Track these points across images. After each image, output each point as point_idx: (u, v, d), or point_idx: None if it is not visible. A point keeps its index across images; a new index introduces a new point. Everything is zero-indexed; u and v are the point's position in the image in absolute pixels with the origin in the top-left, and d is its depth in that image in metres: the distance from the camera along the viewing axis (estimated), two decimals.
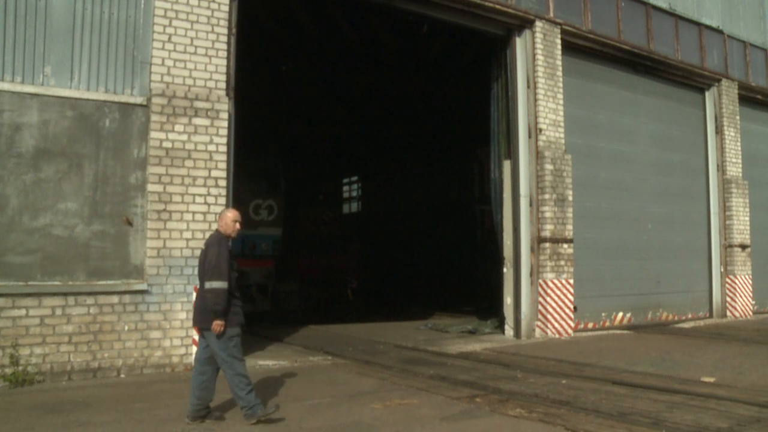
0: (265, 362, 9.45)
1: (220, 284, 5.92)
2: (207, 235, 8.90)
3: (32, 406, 6.73)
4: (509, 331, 12.52)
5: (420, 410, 6.57)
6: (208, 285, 5.95)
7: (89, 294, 8.23)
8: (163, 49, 8.91)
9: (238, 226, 6.32)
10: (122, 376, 8.31)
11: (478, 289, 18.99)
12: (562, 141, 12.94)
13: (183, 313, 8.61)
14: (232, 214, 6.33)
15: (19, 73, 8.14)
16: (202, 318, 6.05)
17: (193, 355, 8.75)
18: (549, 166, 12.55)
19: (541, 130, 12.61)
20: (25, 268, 7.98)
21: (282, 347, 10.90)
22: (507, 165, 12.81)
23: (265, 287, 17.43)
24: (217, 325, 5.89)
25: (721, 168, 16.42)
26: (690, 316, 15.55)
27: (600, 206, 13.93)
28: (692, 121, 16.43)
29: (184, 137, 8.88)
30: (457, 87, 18.94)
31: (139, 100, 8.80)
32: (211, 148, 9.06)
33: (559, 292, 12.38)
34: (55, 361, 8.00)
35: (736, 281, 16.16)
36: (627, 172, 14.65)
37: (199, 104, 9.01)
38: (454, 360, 9.90)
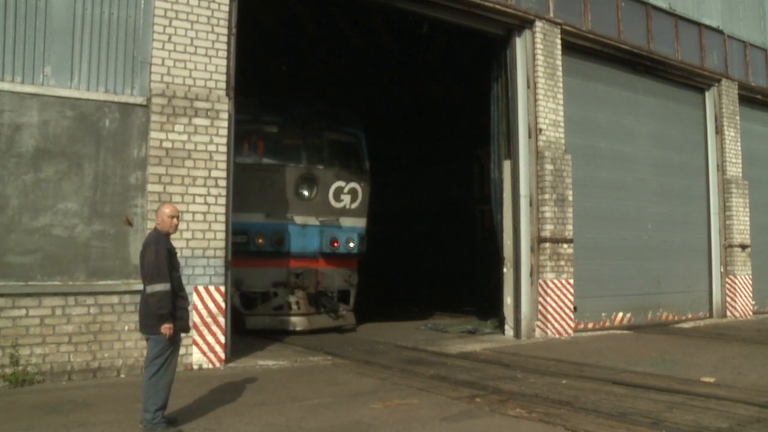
0: (265, 362, 9.45)
1: (161, 286, 5.71)
2: (207, 234, 8.95)
3: (32, 406, 6.73)
4: (509, 331, 12.52)
5: (420, 410, 6.57)
6: (149, 289, 5.73)
7: (89, 294, 8.23)
8: (163, 49, 8.91)
9: (175, 221, 6.11)
10: (122, 376, 8.31)
11: (478, 289, 18.96)
12: (562, 141, 12.94)
13: None
14: (169, 210, 6.08)
15: (19, 73, 8.13)
16: (146, 323, 5.85)
17: (193, 356, 8.78)
18: (549, 166, 12.55)
19: (541, 130, 12.61)
20: (25, 268, 7.98)
21: (282, 347, 10.90)
22: (507, 165, 12.81)
23: (347, 295, 13.45)
24: (166, 328, 5.70)
25: (721, 168, 16.42)
26: (690, 316, 15.55)
27: (600, 206, 13.93)
28: (692, 121, 16.43)
29: (184, 137, 8.88)
30: (457, 87, 18.93)
31: (139, 100, 8.80)
32: (211, 148, 9.06)
33: (559, 292, 12.38)
34: (55, 361, 8.00)
35: (736, 281, 16.16)
36: (627, 172, 14.64)
37: (199, 104, 9.01)
38: (454, 360, 9.90)
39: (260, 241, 12.15)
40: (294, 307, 12.47)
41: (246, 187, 11.50)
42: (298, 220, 12.61)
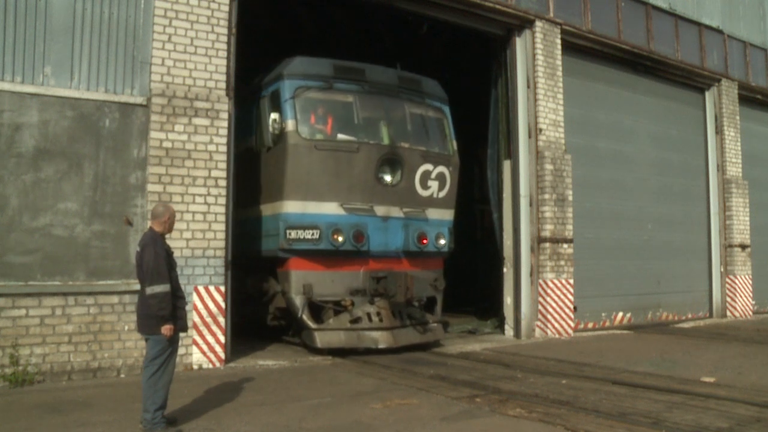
0: (265, 362, 9.45)
1: (161, 288, 5.70)
2: (207, 234, 8.95)
3: (32, 406, 6.73)
4: (509, 331, 12.53)
5: (420, 410, 6.56)
6: (149, 290, 5.73)
7: (89, 294, 8.23)
8: (163, 49, 8.91)
9: (172, 222, 6.12)
10: (122, 376, 8.31)
11: (478, 289, 18.95)
12: (562, 141, 12.94)
13: None
14: (164, 210, 6.08)
15: (19, 73, 8.13)
16: (145, 324, 5.85)
17: (193, 356, 8.78)
18: (549, 166, 12.55)
19: (541, 130, 12.61)
20: (25, 268, 7.98)
21: (282, 347, 10.89)
22: (507, 165, 12.82)
23: (433, 302, 11.18)
24: (167, 329, 5.71)
25: (721, 168, 16.42)
26: (690, 316, 15.56)
27: (600, 206, 13.93)
28: (692, 121, 16.43)
29: (184, 137, 8.88)
30: (457, 87, 18.92)
31: (139, 100, 8.80)
32: (211, 148, 9.06)
33: (559, 292, 12.38)
34: (55, 361, 7.99)
35: (736, 281, 16.16)
36: (627, 172, 14.64)
37: (199, 104, 9.01)
38: (454, 360, 9.90)
39: (337, 237, 9.79)
40: (375, 319, 10.02)
41: (314, 170, 9.86)
42: (379, 211, 10.36)
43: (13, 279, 7.88)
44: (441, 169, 10.93)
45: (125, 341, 8.35)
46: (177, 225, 8.55)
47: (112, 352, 8.30)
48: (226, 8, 9.38)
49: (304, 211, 9.83)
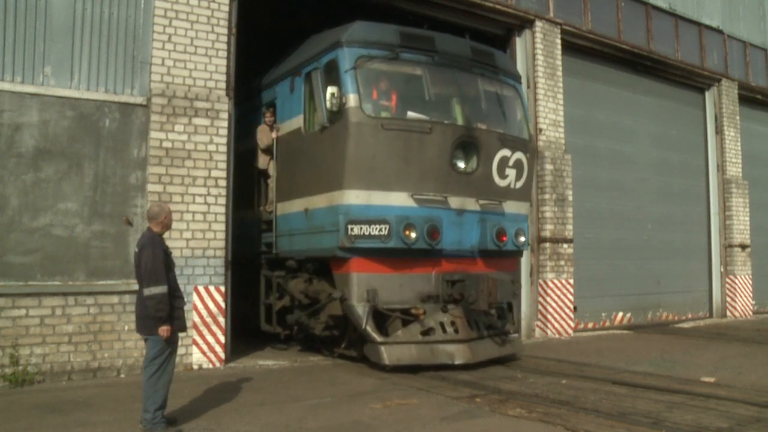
0: (265, 362, 9.45)
1: (159, 289, 5.69)
2: (207, 234, 8.95)
3: (32, 406, 6.73)
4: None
5: (420, 410, 6.56)
6: (147, 291, 5.72)
7: (89, 294, 8.23)
8: (163, 49, 8.91)
9: (169, 221, 6.11)
10: (122, 376, 8.31)
11: None
12: (562, 141, 12.94)
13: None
14: (160, 210, 6.05)
15: (19, 73, 8.13)
16: (144, 324, 5.84)
17: (193, 356, 8.78)
18: (549, 166, 12.55)
19: (541, 130, 12.61)
20: (25, 268, 7.98)
21: (282, 347, 10.88)
22: None
23: (509, 308, 9.88)
24: (164, 330, 5.70)
25: (721, 168, 16.43)
26: (690, 316, 15.56)
27: (600, 206, 13.94)
28: (692, 121, 16.44)
29: (184, 137, 8.88)
30: None
31: (139, 100, 8.80)
32: (211, 148, 9.06)
33: (559, 292, 12.38)
34: (55, 361, 7.99)
35: (736, 281, 16.16)
36: (627, 172, 14.65)
37: (199, 104, 9.01)
38: None
39: (409, 234, 8.33)
40: (449, 330, 8.67)
41: (381, 154, 8.48)
42: (454, 203, 8.95)
43: (13, 279, 7.88)
44: (518, 155, 9.55)
45: (125, 341, 8.36)
46: (177, 225, 8.59)
47: (112, 352, 8.30)
48: (226, 8, 9.38)
49: (369, 202, 8.43)
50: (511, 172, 9.49)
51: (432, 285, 8.81)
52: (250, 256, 11.25)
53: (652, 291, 14.75)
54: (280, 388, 7.66)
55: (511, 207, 9.63)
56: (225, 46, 9.34)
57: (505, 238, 9.23)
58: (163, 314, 5.69)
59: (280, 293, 10.17)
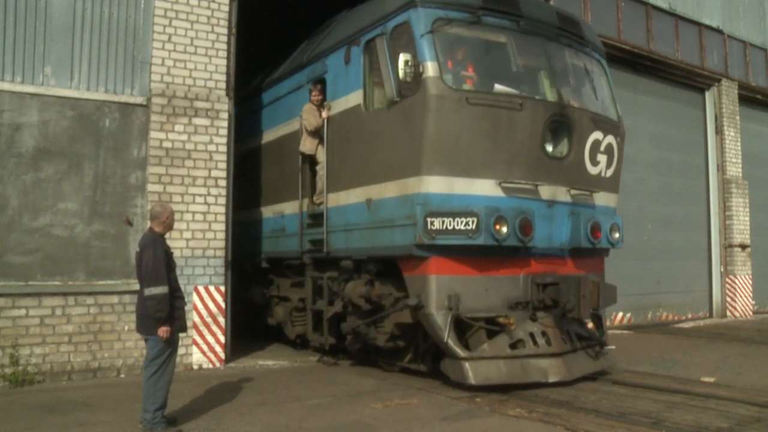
0: (265, 362, 9.45)
1: (159, 290, 5.68)
2: (207, 234, 8.95)
3: (32, 406, 6.74)
4: None
5: (420, 410, 6.56)
6: (147, 291, 5.71)
7: (89, 294, 8.24)
8: (163, 49, 8.91)
9: (171, 221, 6.10)
10: (122, 376, 8.31)
11: None
12: None
13: None
14: (162, 210, 6.04)
15: (19, 73, 8.14)
16: (144, 324, 5.84)
17: (193, 356, 8.78)
18: None
19: None
20: (25, 268, 7.98)
21: (282, 347, 10.89)
22: None
23: (599, 322, 8.63)
24: (163, 331, 5.69)
25: (721, 168, 16.42)
26: (690, 316, 15.56)
27: None
28: (692, 121, 16.43)
29: (184, 137, 8.89)
30: None
31: (139, 100, 8.81)
32: (211, 148, 9.06)
33: None
34: (55, 361, 8.00)
35: (736, 281, 16.16)
36: (627, 172, 14.49)
37: (199, 104, 9.01)
38: None
39: (500, 228, 7.08)
40: (540, 341, 7.46)
41: (465, 133, 7.25)
42: (544, 192, 7.75)
43: (13, 279, 7.88)
44: (610, 139, 8.37)
45: (125, 341, 8.36)
46: (177, 225, 8.58)
47: (112, 352, 8.30)
48: (226, 8, 9.38)
49: (451, 191, 7.21)
50: (602, 159, 8.30)
51: (520, 289, 7.58)
52: (276, 256, 10.37)
53: (652, 291, 14.75)
54: (280, 388, 7.66)
55: (600, 199, 8.45)
56: (225, 46, 9.34)
57: (599, 235, 8.06)
58: (163, 315, 5.68)
59: (331, 298, 8.92)
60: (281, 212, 10.17)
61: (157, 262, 5.74)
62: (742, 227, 16.46)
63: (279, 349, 10.63)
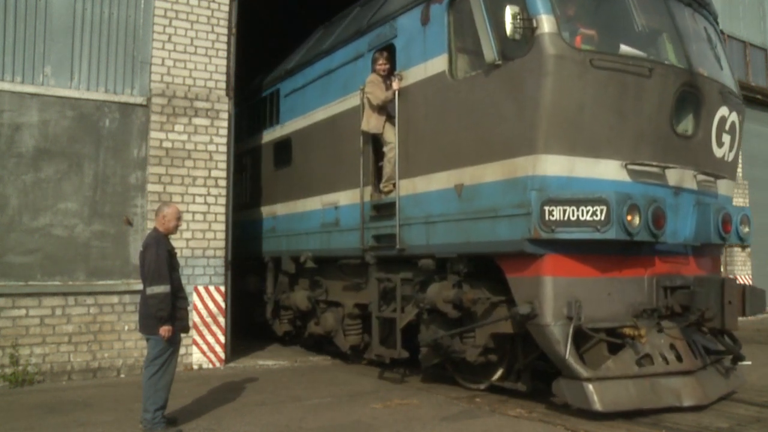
0: (265, 362, 9.45)
1: (161, 289, 5.66)
2: (207, 234, 8.96)
3: (32, 406, 6.74)
4: None
5: (420, 410, 6.56)
6: (149, 291, 5.70)
7: (89, 294, 8.24)
8: (163, 49, 8.91)
9: (178, 222, 6.09)
10: (122, 376, 8.31)
11: None
12: None
13: None
14: (172, 210, 6.03)
15: (19, 73, 8.14)
16: (146, 324, 5.83)
17: (193, 356, 8.78)
18: None
19: None
20: (25, 268, 7.98)
21: (282, 347, 10.89)
22: None
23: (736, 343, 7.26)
24: (165, 330, 5.68)
25: None
26: None
27: None
28: None
29: (184, 137, 8.89)
30: None
31: (139, 100, 8.81)
32: (211, 148, 9.07)
33: None
34: (55, 361, 8.00)
35: (736, 281, 16.15)
36: None
37: (199, 104, 9.02)
38: None
39: (632, 219, 5.91)
40: (669, 356, 6.28)
41: (589, 103, 6.10)
42: (671, 177, 6.60)
43: (13, 279, 7.89)
44: (734, 116, 7.21)
45: (125, 341, 8.36)
46: None
47: (112, 352, 8.31)
48: (226, 8, 9.38)
49: (571, 173, 6.04)
50: (726, 139, 7.13)
51: (645, 293, 6.41)
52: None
53: None
54: (280, 388, 7.66)
55: (722, 187, 7.29)
56: (225, 46, 9.35)
57: (730, 228, 6.92)
58: (165, 314, 5.68)
59: (403, 304, 7.64)
60: (334, 203, 8.79)
61: (160, 262, 5.73)
62: None
63: (279, 349, 10.63)
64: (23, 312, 7.86)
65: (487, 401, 6.91)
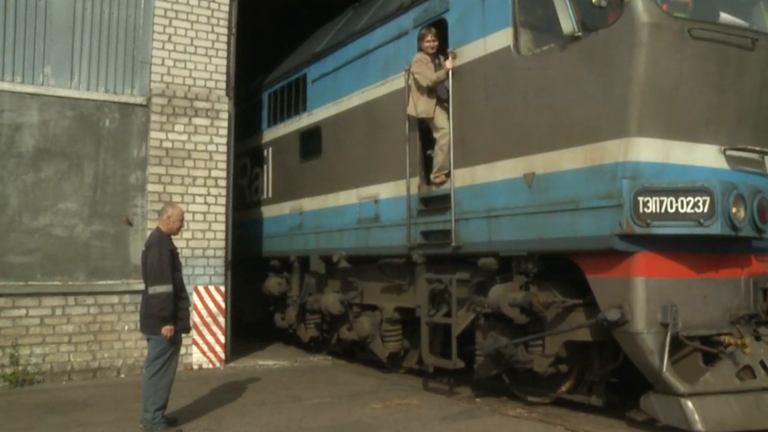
0: (265, 362, 9.46)
1: (163, 288, 5.66)
2: (207, 234, 8.96)
3: (32, 406, 6.74)
4: None
5: (420, 410, 6.56)
6: (151, 290, 5.69)
7: (89, 294, 8.24)
8: (163, 49, 8.91)
9: (181, 224, 6.09)
10: (122, 376, 8.31)
11: None
12: None
13: None
14: (177, 212, 6.04)
15: (19, 73, 8.14)
16: (147, 324, 5.83)
17: (193, 356, 8.78)
18: None
19: None
20: (25, 268, 7.98)
21: (282, 347, 10.90)
22: None
23: None
24: (167, 330, 5.67)
25: None
26: None
27: None
28: None
29: (184, 137, 8.89)
30: None
31: (139, 100, 8.81)
32: (211, 148, 9.07)
33: None
34: (55, 361, 8.00)
35: None
36: None
37: (199, 104, 9.02)
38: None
39: (738, 212, 5.25)
40: (763, 372, 5.54)
41: (686, 80, 5.42)
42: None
43: (13, 279, 7.89)
44: None
45: (125, 341, 8.36)
46: None
47: (112, 352, 8.31)
48: (226, 8, 9.38)
49: (666, 159, 5.38)
50: None
51: (742, 296, 5.70)
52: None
53: None
54: (280, 388, 7.66)
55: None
56: (225, 46, 9.35)
57: None
58: (166, 314, 5.68)
59: (459, 308, 6.85)
60: (374, 197, 8.02)
61: (162, 261, 5.74)
62: None
63: (279, 349, 10.64)
64: (23, 312, 7.86)
65: (487, 401, 6.92)
